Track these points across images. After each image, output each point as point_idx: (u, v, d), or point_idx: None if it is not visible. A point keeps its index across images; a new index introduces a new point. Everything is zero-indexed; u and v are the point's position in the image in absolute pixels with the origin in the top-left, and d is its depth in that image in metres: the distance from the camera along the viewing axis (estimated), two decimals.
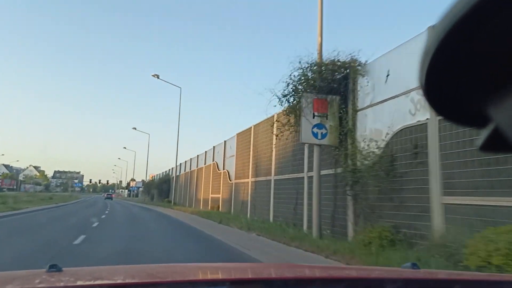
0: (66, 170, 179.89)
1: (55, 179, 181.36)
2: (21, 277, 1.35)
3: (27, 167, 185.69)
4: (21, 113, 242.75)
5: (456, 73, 0.42)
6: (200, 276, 1.48)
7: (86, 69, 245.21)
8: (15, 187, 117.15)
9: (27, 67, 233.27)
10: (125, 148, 70.70)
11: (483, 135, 0.47)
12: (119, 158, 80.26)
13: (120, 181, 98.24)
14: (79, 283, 1.28)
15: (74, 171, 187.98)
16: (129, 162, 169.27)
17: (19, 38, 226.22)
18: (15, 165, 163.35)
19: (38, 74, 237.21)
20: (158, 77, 33.83)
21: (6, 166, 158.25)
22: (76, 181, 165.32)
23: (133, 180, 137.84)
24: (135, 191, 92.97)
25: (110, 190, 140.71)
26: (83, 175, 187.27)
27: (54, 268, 1.30)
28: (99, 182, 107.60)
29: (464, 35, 0.38)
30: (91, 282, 1.26)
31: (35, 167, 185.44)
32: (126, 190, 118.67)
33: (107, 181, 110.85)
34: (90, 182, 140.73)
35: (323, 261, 7.18)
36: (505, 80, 0.40)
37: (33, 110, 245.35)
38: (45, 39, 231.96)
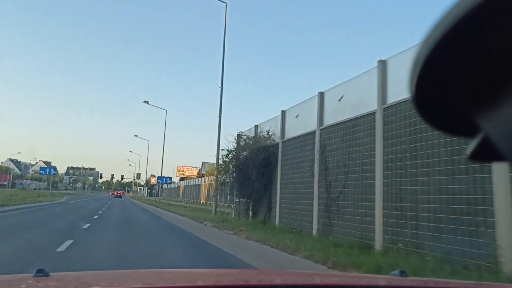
0: (80, 166, 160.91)
1: (68, 176, 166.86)
2: (6, 281, 1.33)
3: (36, 163, 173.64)
4: (31, 109, 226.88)
5: (445, 83, 0.42)
6: (189, 283, 1.43)
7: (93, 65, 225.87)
8: (6, 182, 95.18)
9: (35, 69, 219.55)
10: (146, 101, 39.19)
11: (472, 144, 0.47)
12: (135, 135, 57.00)
13: (138, 174, 74.13)
14: None
15: (89, 168, 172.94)
16: (152, 146, 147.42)
17: (23, 38, 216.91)
18: (24, 160, 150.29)
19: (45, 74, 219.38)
20: None
21: (14, 161, 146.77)
22: (84, 176, 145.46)
23: (153, 176, 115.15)
24: (166, 185, 59.05)
25: (127, 188, 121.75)
26: (98, 172, 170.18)
27: (41, 272, 1.27)
28: (112, 178, 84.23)
29: (453, 46, 0.38)
30: None
31: (46, 163, 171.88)
32: (146, 188, 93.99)
33: (122, 175, 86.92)
34: (101, 177, 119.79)
35: None
36: (494, 90, 0.40)
37: (43, 107, 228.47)
38: (51, 40, 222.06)
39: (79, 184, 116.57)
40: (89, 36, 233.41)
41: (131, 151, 76.87)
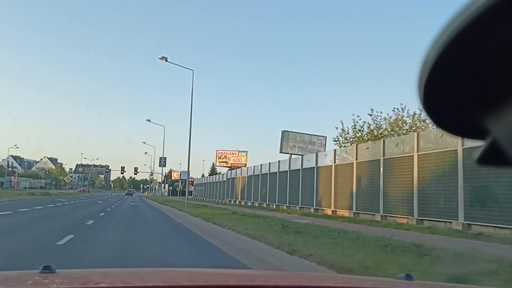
0: (90, 164, 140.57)
1: (77, 174, 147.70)
2: (13, 277, 1.36)
3: (41, 159, 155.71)
4: (37, 106, 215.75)
5: (454, 85, 0.42)
6: (194, 282, 1.46)
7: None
8: None
9: (38, 64, 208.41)
10: (170, 62, 19.30)
11: (481, 148, 0.46)
12: (148, 120, 41.58)
13: (163, 158, 50.68)
14: (72, 285, 1.30)
15: (99, 165, 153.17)
16: (173, 136, 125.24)
17: (27, 34, 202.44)
18: (27, 156, 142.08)
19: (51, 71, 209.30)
20: None
21: (16, 158, 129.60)
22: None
23: (173, 171, 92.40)
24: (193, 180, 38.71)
25: (142, 186, 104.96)
26: (110, 169, 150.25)
27: (48, 269, 1.29)
28: (123, 172, 62.65)
29: (462, 48, 0.38)
30: (84, 285, 1.30)
31: (51, 159, 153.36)
32: (166, 185, 70.10)
33: (136, 168, 64.20)
34: (107, 170, 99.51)
35: None
36: (503, 94, 0.40)
37: (51, 104, 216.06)
38: (54, 35, 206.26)
39: (67, 178, 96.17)
40: (97, 33, 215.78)
41: (149, 125, 54.59)
